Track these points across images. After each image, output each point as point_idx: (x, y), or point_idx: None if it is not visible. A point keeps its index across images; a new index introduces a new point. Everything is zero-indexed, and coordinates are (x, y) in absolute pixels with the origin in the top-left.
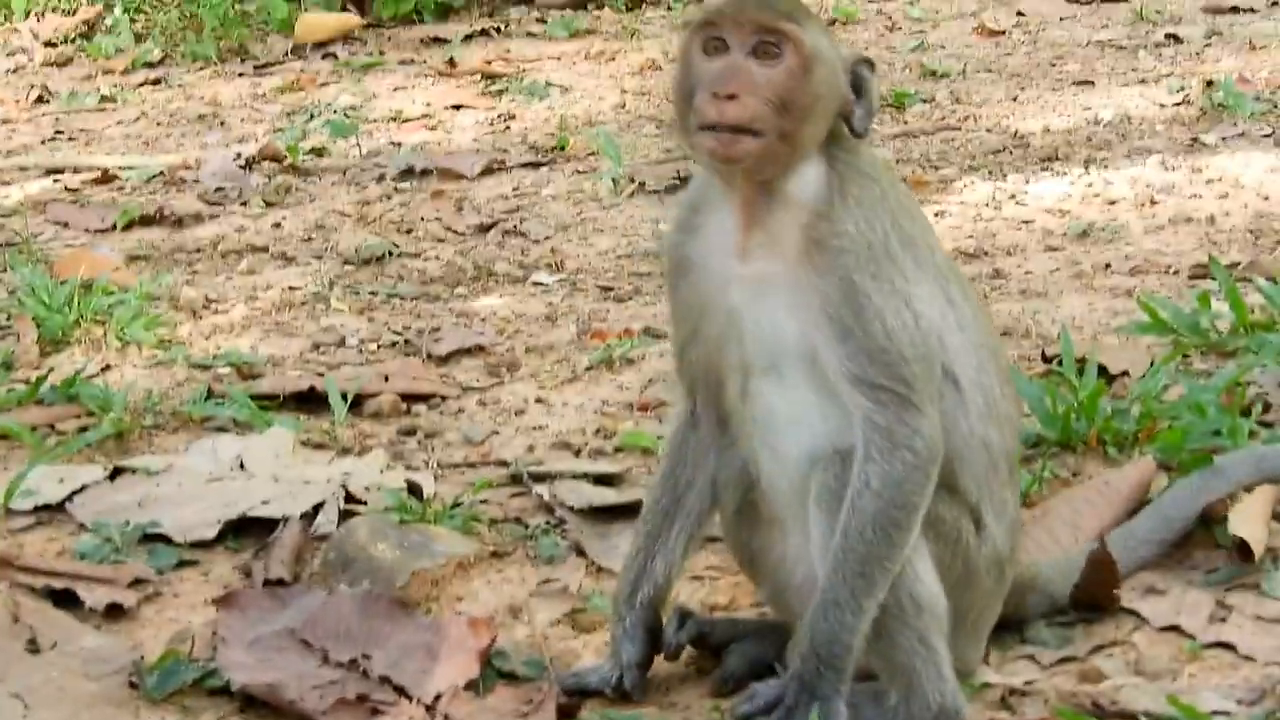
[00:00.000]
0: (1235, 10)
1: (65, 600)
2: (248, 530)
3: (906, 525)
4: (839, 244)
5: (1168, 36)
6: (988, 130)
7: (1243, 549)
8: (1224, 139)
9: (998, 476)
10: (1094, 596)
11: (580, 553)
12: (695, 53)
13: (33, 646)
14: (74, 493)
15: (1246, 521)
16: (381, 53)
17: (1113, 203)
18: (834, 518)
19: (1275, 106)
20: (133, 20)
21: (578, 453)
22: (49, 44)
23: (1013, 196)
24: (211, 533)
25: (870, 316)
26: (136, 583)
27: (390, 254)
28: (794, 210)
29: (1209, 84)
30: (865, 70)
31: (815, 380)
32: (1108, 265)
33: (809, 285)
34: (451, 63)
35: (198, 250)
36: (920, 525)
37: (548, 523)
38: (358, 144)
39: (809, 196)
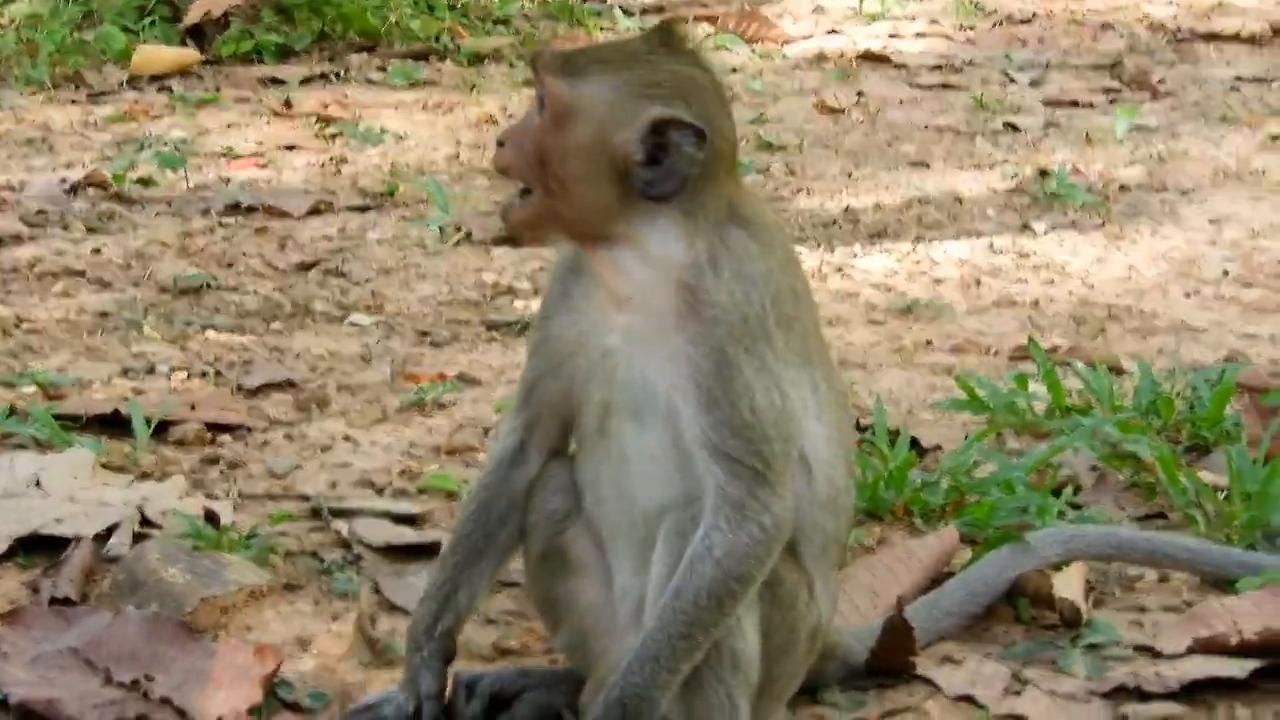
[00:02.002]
0: (1075, 104)
1: None
2: (40, 548)
3: (740, 596)
4: (713, 314)
5: (1006, 125)
6: (819, 204)
7: (1064, 613)
8: (1054, 227)
9: (827, 560)
10: (889, 663)
11: (375, 590)
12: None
13: None
14: None
15: (1069, 588)
16: (218, 89)
17: (939, 281)
18: (679, 559)
19: (1106, 199)
20: None
21: (380, 491)
22: None
23: (839, 269)
24: (1, 548)
25: (738, 391)
26: None
27: (209, 286)
28: (660, 268)
29: (1043, 173)
30: (675, 133)
31: (675, 434)
32: (929, 342)
33: (680, 349)
34: (288, 104)
35: (14, 270)
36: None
37: (344, 558)
38: (185, 177)
39: (676, 257)
